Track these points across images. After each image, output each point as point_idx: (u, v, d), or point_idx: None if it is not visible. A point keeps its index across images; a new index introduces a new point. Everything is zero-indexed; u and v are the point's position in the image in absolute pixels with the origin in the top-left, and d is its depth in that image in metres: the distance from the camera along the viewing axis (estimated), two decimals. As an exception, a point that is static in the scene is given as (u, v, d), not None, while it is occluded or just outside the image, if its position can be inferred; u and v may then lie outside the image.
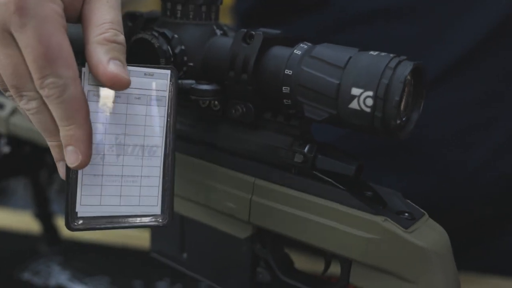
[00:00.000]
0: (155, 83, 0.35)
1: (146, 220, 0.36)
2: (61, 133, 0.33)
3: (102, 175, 0.35)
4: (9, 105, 0.53)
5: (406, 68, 0.31)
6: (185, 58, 0.38)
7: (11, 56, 0.32)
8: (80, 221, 0.35)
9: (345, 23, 0.58)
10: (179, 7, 0.38)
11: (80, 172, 0.34)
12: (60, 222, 0.65)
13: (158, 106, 0.35)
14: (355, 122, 0.33)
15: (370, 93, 0.31)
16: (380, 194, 0.36)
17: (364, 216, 0.33)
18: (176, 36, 0.38)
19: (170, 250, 0.45)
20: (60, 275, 0.59)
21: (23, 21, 0.31)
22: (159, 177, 0.36)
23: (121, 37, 0.33)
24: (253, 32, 0.36)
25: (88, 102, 0.33)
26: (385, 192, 0.36)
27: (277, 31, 0.37)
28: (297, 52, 0.35)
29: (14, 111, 0.52)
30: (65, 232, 0.63)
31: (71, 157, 0.33)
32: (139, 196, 0.36)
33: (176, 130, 0.36)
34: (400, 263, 0.33)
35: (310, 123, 0.37)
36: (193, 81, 0.37)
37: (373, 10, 0.57)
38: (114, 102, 0.34)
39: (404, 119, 0.33)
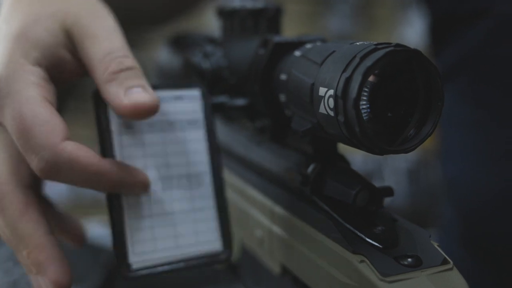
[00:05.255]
0: (187, 105, 0.33)
1: (206, 260, 0.32)
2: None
3: (151, 215, 0.32)
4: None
5: (375, 56, 0.23)
6: (225, 75, 0.36)
7: (3, 141, 0.32)
8: (135, 271, 0.31)
9: (508, 31, 0.46)
10: (227, 22, 0.37)
11: (126, 215, 0.31)
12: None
13: (195, 129, 0.33)
14: (332, 132, 0.26)
15: (332, 91, 0.24)
16: (395, 231, 0.27)
17: (341, 253, 0.25)
18: (219, 52, 0.37)
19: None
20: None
21: (1, 103, 0.29)
22: (213, 207, 0.33)
23: (128, 61, 0.31)
24: (268, 39, 0.32)
25: (121, 136, 0.31)
26: (407, 229, 0.27)
27: (310, 36, 0.32)
28: (296, 54, 0.29)
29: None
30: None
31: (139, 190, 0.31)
32: (196, 232, 0.32)
33: (219, 151, 0.33)
34: (379, 323, 0.24)
35: (328, 139, 0.30)
36: (224, 98, 0.35)
37: None
38: (147, 132, 0.32)
39: (392, 130, 0.25)
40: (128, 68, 0.30)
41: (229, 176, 0.39)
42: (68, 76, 0.33)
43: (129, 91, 0.30)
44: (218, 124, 0.40)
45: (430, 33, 0.55)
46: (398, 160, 1.54)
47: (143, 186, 0.31)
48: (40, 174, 0.29)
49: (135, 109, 0.29)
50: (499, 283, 0.50)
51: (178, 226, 0.32)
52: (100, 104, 0.31)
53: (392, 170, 1.51)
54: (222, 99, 0.35)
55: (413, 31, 1.74)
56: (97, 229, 0.85)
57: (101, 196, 0.33)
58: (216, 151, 0.33)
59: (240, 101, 0.34)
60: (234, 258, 0.62)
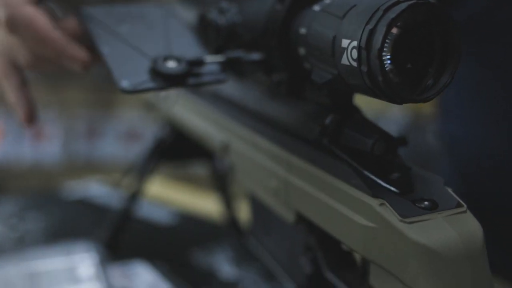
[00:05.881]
0: None
1: None
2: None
3: None
4: (172, 96, 0.58)
5: (399, 8, 0.24)
6: (240, 31, 0.37)
7: None
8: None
9: None
10: (242, -21, 0.38)
11: None
12: (241, 210, 0.68)
13: None
14: (354, 82, 0.27)
15: (355, 43, 0.25)
16: (410, 177, 0.28)
17: (361, 197, 0.27)
18: (234, 9, 0.37)
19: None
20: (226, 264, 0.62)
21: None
22: None
23: None
24: (286, -7, 0.33)
25: None
26: (421, 176, 0.29)
27: None
28: (315, 8, 0.30)
29: (176, 101, 0.58)
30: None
31: (75, 64, 0.40)
32: None
33: None
34: (398, 261, 0.25)
35: (346, 91, 0.32)
36: (240, 52, 0.36)
37: None
38: None
39: (412, 78, 0.26)
40: None
41: (240, 130, 0.40)
42: None
43: None
44: (232, 80, 0.41)
45: None
46: (389, 123, 1.56)
47: (81, 63, 0.40)
48: (5, 26, 0.38)
49: None
50: (498, 244, 0.52)
51: None
52: None
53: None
54: (237, 53, 0.36)
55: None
56: (98, 189, 0.86)
57: (93, 158, 0.39)
58: None
59: (255, 56, 0.35)
60: (244, 214, 0.64)
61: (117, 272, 0.52)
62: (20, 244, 0.65)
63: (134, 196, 0.62)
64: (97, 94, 1.70)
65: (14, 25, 0.38)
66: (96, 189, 0.87)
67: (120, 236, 0.61)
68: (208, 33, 0.38)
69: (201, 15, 0.38)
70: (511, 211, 0.51)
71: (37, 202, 0.80)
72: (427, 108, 0.57)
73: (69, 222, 0.73)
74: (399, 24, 0.25)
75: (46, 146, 1.71)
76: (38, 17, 0.38)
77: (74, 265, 0.53)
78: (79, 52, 0.39)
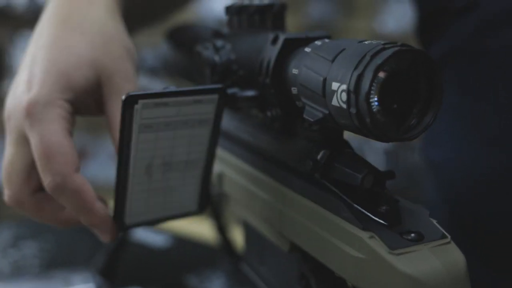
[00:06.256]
0: (203, 108, 0.36)
1: (181, 216, 0.42)
2: (81, 220, 0.38)
3: (148, 190, 0.38)
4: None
5: (384, 55, 0.26)
6: (234, 67, 0.39)
7: (23, 153, 0.38)
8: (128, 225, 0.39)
9: (495, 25, 0.49)
10: (235, 18, 0.40)
11: (129, 188, 0.37)
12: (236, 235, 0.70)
13: (203, 126, 0.37)
14: (343, 122, 0.29)
15: (344, 86, 0.27)
16: (397, 210, 0.30)
17: (351, 230, 0.29)
18: (228, 46, 0.39)
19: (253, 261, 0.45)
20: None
21: (32, 124, 0.36)
22: (199, 183, 0.40)
23: None
24: (278, 35, 0.35)
25: (140, 134, 0.35)
26: (408, 208, 0.30)
27: (317, 33, 0.35)
28: (306, 50, 0.32)
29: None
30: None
31: (102, 236, 0.39)
32: (180, 202, 0.40)
33: (217, 141, 0.39)
34: (387, 291, 0.27)
35: (336, 128, 0.33)
36: (235, 89, 0.38)
37: None
38: (162, 130, 0.36)
39: (397, 119, 0.28)
40: None
41: (236, 161, 0.42)
42: (85, 114, 0.41)
43: None
44: (227, 113, 0.43)
45: (419, 26, 0.58)
46: (377, 142, 1.59)
47: (110, 237, 0.38)
48: (48, 191, 0.36)
49: None
50: (485, 267, 0.53)
51: (167, 197, 0.39)
52: (128, 107, 0.34)
53: (372, 151, 1.57)
54: (233, 90, 0.37)
55: (393, 19, 1.78)
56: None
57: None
58: (214, 143, 0.38)
59: (250, 93, 0.37)
60: (238, 239, 0.65)
61: (114, 300, 0.53)
62: (18, 274, 0.66)
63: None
64: (88, 116, 1.71)
65: (62, 193, 0.36)
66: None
67: (117, 263, 0.62)
68: (203, 70, 0.39)
69: (197, 52, 0.40)
70: (499, 233, 0.52)
71: (31, 229, 0.80)
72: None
73: (65, 249, 0.74)
74: (385, 68, 0.27)
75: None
76: (86, 189, 0.37)
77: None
78: (112, 228, 0.38)
